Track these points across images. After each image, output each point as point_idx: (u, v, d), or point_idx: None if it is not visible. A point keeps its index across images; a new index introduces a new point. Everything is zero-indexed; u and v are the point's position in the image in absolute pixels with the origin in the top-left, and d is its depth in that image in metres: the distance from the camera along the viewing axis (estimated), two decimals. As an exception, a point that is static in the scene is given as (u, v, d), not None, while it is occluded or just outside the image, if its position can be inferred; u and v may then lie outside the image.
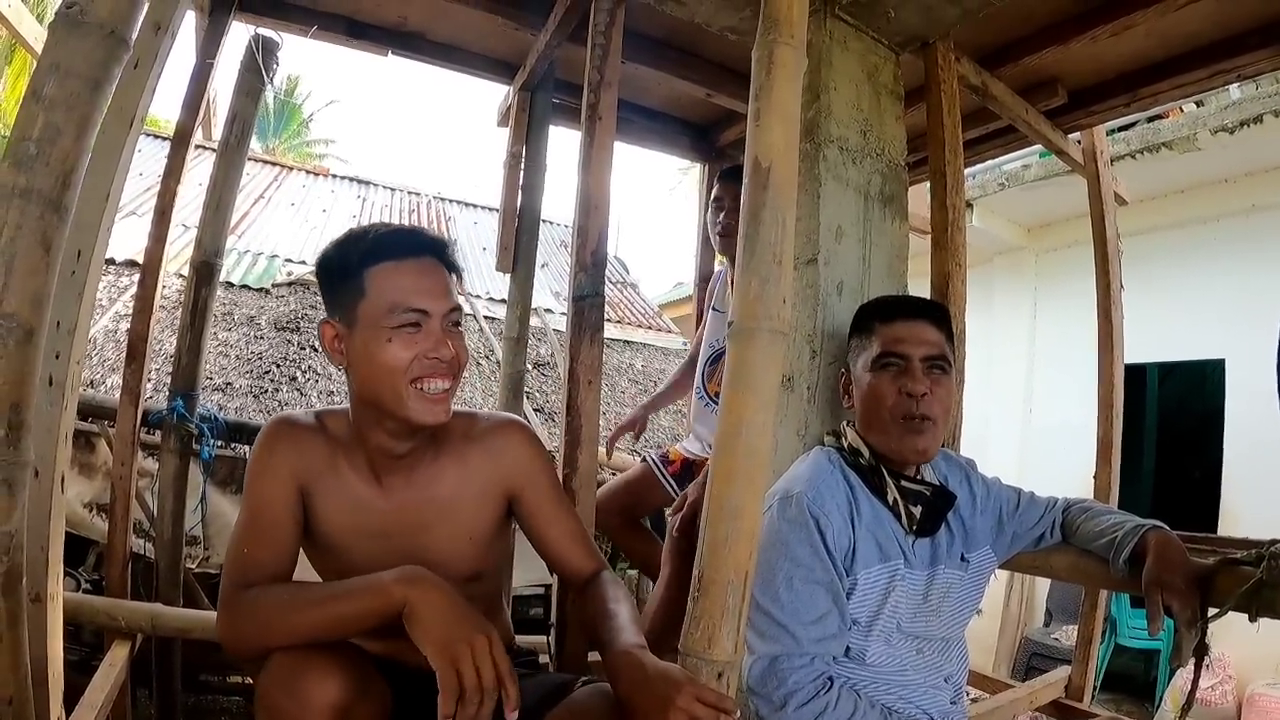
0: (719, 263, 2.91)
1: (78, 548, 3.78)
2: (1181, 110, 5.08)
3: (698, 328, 3.22)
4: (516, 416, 1.66)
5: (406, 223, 9.16)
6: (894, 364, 1.54)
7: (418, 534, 1.38)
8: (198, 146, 2.97)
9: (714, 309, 2.93)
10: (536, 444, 1.50)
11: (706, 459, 2.64)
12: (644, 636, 1.20)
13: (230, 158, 2.82)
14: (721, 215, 2.65)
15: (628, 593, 1.37)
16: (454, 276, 1.36)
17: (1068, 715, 2.95)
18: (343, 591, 1.16)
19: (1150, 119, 5.07)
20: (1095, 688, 3.33)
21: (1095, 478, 3.17)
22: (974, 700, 2.80)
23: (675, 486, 2.68)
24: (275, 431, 1.37)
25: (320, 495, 1.35)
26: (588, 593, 1.38)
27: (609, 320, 5.88)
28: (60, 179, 1.08)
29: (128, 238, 5.23)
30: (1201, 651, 1.35)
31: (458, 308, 1.33)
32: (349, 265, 1.29)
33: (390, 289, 1.26)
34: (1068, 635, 5.09)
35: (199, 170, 3.58)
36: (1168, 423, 6.58)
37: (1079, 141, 3.31)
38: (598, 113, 2.01)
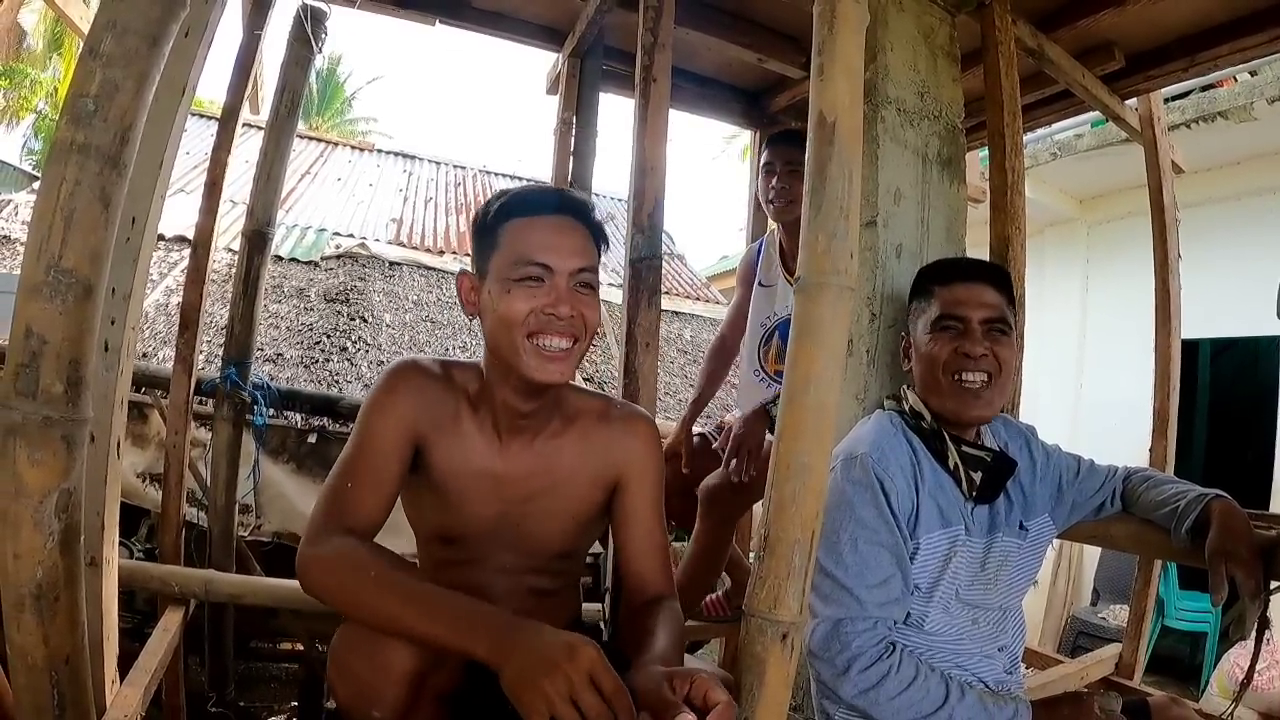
0: (770, 232, 2.84)
1: (131, 518, 3.86)
2: (1235, 80, 4.93)
3: (734, 306, 3.16)
4: (647, 413, 1.61)
5: (481, 192, 9.27)
6: (952, 326, 1.52)
7: (526, 501, 1.38)
8: (244, 124, 2.99)
9: (760, 284, 2.88)
10: (659, 447, 1.48)
11: None
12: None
13: (281, 127, 2.83)
14: (774, 180, 2.59)
15: (682, 626, 1.32)
16: (596, 241, 1.35)
17: (1119, 693, 2.90)
18: (431, 607, 1.08)
19: (1204, 89, 4.92)
20: (1144, 668, 3.27)
21: (1150, 452, 3.10)
22: (1024, 674, 2.77)
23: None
24: (400, 373, 1.36)
25: (437, 444, 1.34)
26: (647, 610, 1.33)
27: (656, 291, 5.92)
28: (119, 135, 1.08)
29: (176, 214, 5.31)
30: (1264, 625, 1.32)
31: (589, 268, 1.31)
32: (488, 220, 1.31)
33: (519, 242, 1.27)
34: (1115, 615, 5.02)
35: (245, 148, 3.61)
36: (1220, 400, 6.45)
37: (1135, 108, 3.21)
38: (652, 74, 1.98)
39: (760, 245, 2.85)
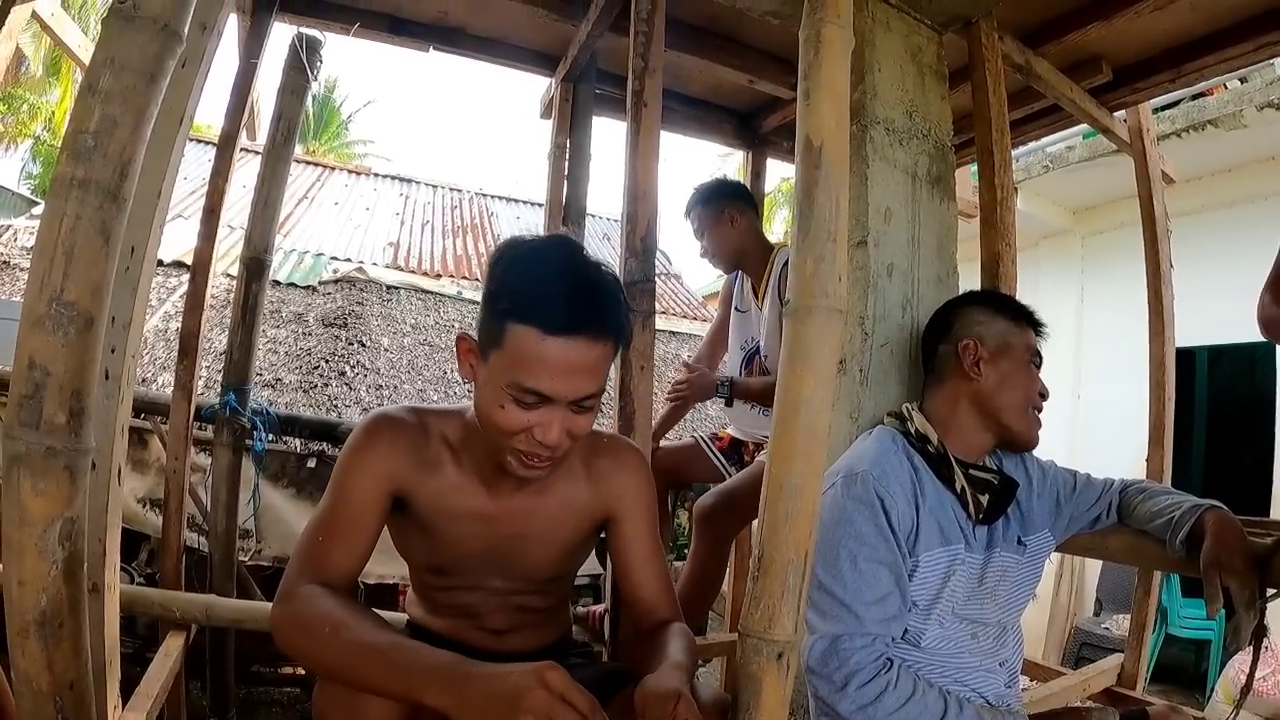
0: None
1: (131, 544, 3.86)
2: (1225, 87, 4.97)
3: (714, 327, 3.22)
4: (634, 443, 1.59)
5: (478, 215, 9.20)
6: (1038, 364, 1.63)
7: (515, 540, 1.37)
8: (242, 150, 3.01)
9: (737, 309, 2.94)
10: (649, 475, 1.46)
11: (753, 440, 2.77)
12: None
13: (277, 154, 2.86)
14: (702, 242, 2.81)
15: (694, 644, 1.30)
16: (618, 345, 1.21)
17: (1121, 703, 2.90)
18: (384, 662, 1.04)
19: (1194, 97, 4.96)
20: (1146, 678, 3.27)
21: (1147, 461, 3.12)
22: (1025, 688, 2.77)
23: (723, 460, 2.78)
24: (373, 428, 1.31)
25: (419, 490, 1.31)
26: (654, 634, 1.32)
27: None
28: (118, 170, 1.09)
29: (175, 240, 5.34)
30: (1260, 634, 1.33)
31: (594, 394, 1.20)
32: (497, 303, 1.16)
33: (522, 359, 1.13)
34: (1118, 625, 5.01)
35: (243, 174, 3.64)
36: (1218, 407, 6.45)
37: (1125, 120, 3.25)
38: (643, 99, 2.00)
39: (737, 272, 2.91)
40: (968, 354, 1.60)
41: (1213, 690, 4.54)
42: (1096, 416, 5.75)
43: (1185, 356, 3.85)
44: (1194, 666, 5.08)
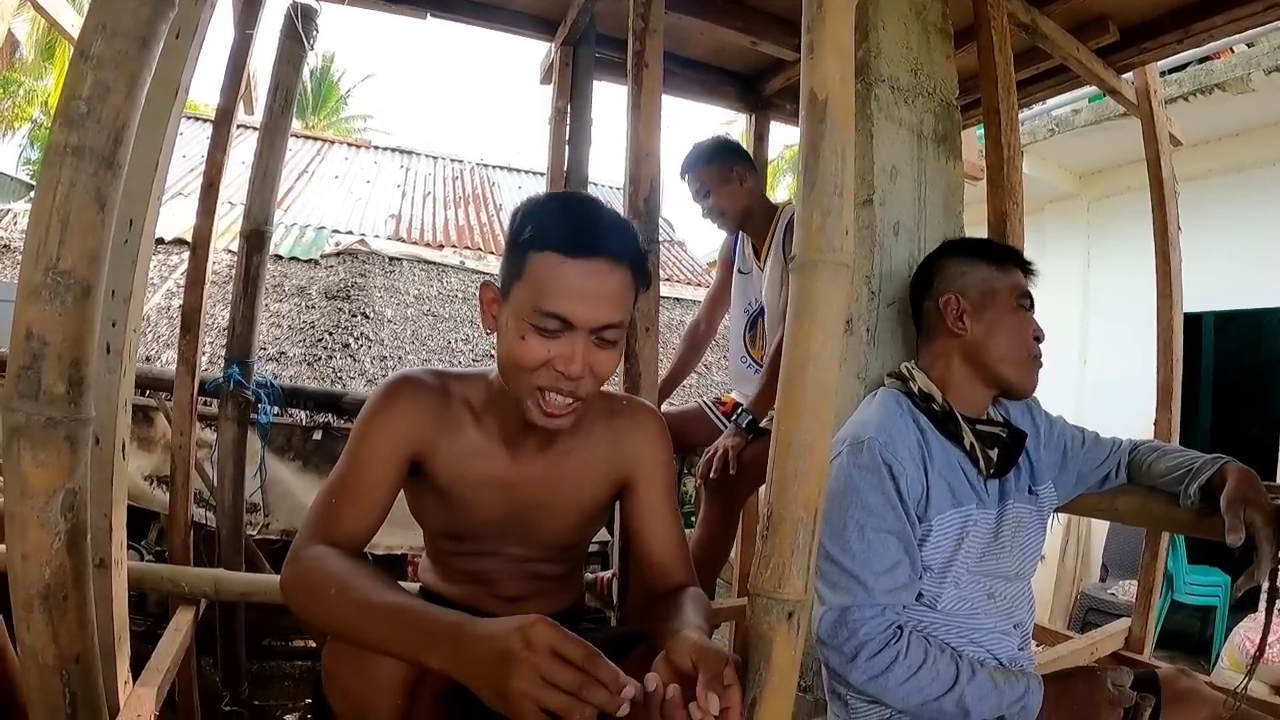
0: None
1: (140, 522, 3.88)
2: (1232, 51, 4.91)
3: (712, 291, 3.19)
4: (653, 405, 1.58)
5: (480, 185, 9.19)
6: (1028, 307, 1.58)
7: (535, 508, 1.37)
8: (239, 126, 2.99)
9: (739, 270, 2.92)
10: (667, 438, 1.45)
11: None
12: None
13: (275, 125, 2.83)
14: (708, 201, 2.73)
15: (709, 607, 1.29)
16: (636, 282, 1.23)
17: (1129, 667, 2.90)
18: (386, 622, 1.02)
19: (1200, 61, 4.90)
20: (1153, 643, 3.28)
21: (1155, 425, 3.09)
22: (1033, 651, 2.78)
23: (726, 424, 2.72)
24: (394, 389, 1.30)
25: (438, 454, 1.30)
26: (669, 597, 1.30)
27: (657, 278, 6.00)
28: (112, 136, 1.07)
29: (175, 217, 5.32)
30: (1275, 597, 1.32)
31: (617, 324, 1.19)
32: (517, 238, 1.19)
33: (543, 284, 1.14)
34: (1124, 590, 5.02)
35: (241, 150, 3.62)
36: (1224, 373, 6.44)
37: (1132, 81, 3.20)
38: (644, 60, 1.98)
39: (738, 233, 2.89)
40: (950, 310, 1.57)
41: (1218, 656, 4.57)
42: (1103, 382, 5.73)
43: (1192, 322, 3.84)
44: (1199, 633, 5.11)
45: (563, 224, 1.17)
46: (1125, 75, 3.11)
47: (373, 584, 1.07)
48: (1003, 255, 1.63)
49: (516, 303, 1.17)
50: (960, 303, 1.57)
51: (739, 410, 2.52)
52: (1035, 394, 1.63)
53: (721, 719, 0.92)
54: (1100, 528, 5.65)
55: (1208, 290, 4.77)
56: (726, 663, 0.97)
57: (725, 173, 2.69)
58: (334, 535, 1.19)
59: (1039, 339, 1.57)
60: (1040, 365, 1.57)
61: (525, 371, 1.17)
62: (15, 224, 5.55)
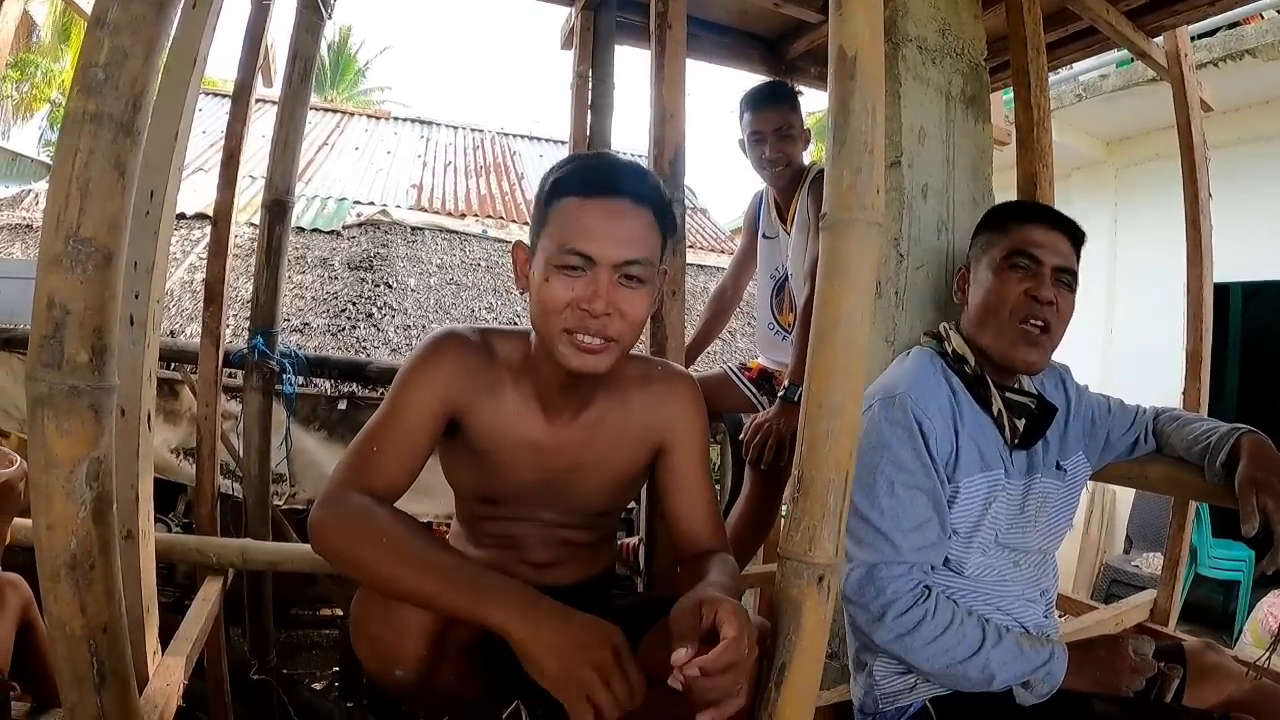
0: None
1: (167, 494, 3.93)
2: (1262, 17, 4.79)
3: (737, 256, 3.15)
4: (689, 372, 1.57)
5: (501, 154, 9.21)
6: (1024, 265, 1.47)
7: (570, 470, 1.37)
8: (258, 100, 2.97)
9: (764, 235, 2.87)
10: (701, 405, 1.46)
11: (783, 370, 2.65)
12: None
13: (295, 95, 2.81)
14: (767, 151, 2.57)
15: (738, 572, 1.33)
16: (661, 225, 1.25)
17: (1154, 639, 2.88)
18: (447, 576, 1.07)
19: (1231, 26, 4.78)
20: (1177, 615, 3.25)
21: (1184, 394, 3.05)
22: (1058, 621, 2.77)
23: (753, 389, 2.69)
24: (439, 343, 1.32)
25: (477, 413, 1.31)
26: (696, 561, 1.32)
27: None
28: (130, 102, 1.05)
29: (196, 193, 5.34)
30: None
31: (639, 260, 1.19)
32: (543, 192, 1.24)
33: (565, 225, 1.18)
34: (1148, 562, 5.00)
35: (261, 124, 3.61)
36: (1253, 344, 6.35)
37: (1162, 45, 3.12)
38: (667, 20, 1.94)
39: (761, 197, 2.83)
40: (959, 283, 1.58)
41: (1241, 631, 4.54)
42: (1130, 351, 5.65)
43: (1220, 292, 3.76)
44: (1222, 608, 5.08)
45: (582, 171, 1.22)
46: (1156, 39, 3.04)
47: (428, 539, 1.12)
48: (1003, 214, 1.58)
49: (543, 250, 1.20)
50: (967, 275, 1.57)
51: (787, 386, 2.35)
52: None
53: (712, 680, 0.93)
54: (1124, 498, 5.60)
55: (1235, 260, 4.68)
56: (713, 602, 0.99)
57: (800, 121, 2.60)
58: (373, 481, 1.20)
59: (1038, 300, 1.45)
60: (1035, 330, 1.45)
61: (553, 314, 1.18)
62: (37, 203, 5.58)
